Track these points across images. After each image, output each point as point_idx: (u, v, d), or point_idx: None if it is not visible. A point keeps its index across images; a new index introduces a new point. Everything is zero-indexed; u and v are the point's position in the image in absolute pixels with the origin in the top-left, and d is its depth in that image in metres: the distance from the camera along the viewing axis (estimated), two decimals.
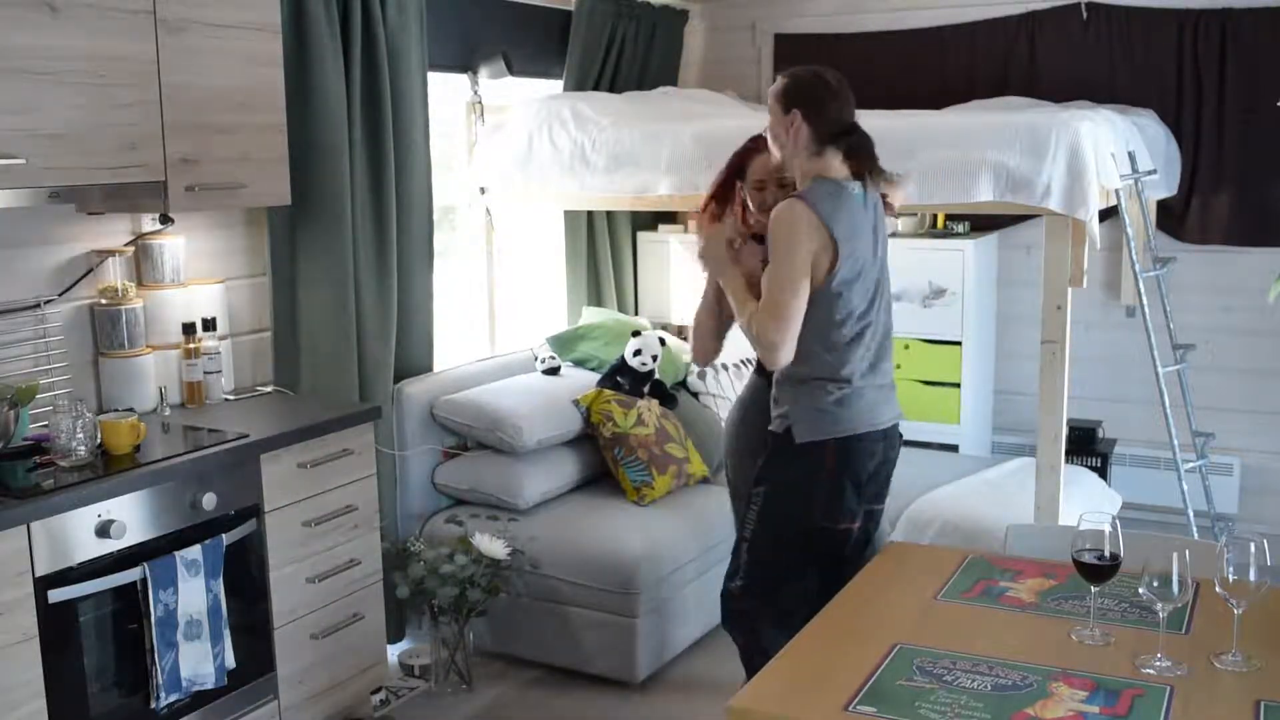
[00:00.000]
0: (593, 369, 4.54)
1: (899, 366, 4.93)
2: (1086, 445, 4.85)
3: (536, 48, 4.80)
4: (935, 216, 4.99)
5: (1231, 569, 2.03)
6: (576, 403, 4.21)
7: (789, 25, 5.54)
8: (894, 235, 5.00)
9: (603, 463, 4.21)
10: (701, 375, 4.77)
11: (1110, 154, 3.72)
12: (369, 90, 3.78)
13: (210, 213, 3.47)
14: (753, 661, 2.93)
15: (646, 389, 4.39)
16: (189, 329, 3.33)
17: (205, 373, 3.36)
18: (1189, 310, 4.85)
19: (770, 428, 2.93)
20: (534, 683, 3.85)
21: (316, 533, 3.18)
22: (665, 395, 4.46)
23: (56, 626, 2.53)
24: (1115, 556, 2.12)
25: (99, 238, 3.22)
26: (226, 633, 2.87)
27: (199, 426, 3.11)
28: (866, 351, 2.87)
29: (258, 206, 3.53)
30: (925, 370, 4.86)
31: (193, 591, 2.77)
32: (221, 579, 2.84)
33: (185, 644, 2.75)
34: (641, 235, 5.36)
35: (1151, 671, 2.01)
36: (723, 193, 3.11)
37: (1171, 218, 4.93)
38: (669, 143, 4.11)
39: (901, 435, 3.00)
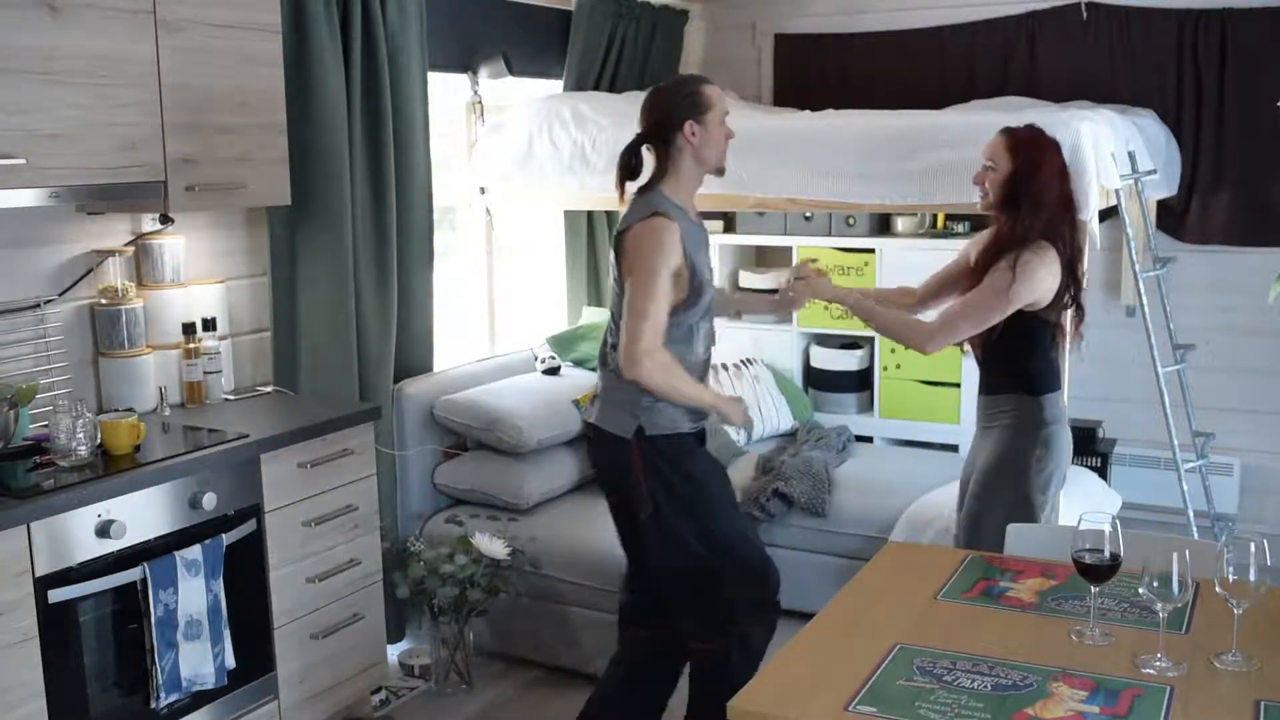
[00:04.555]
0: (592, 369, 4.53)
1: (899, 366, 4.94)
2: (1086, 445, 4.84)
3: (536, 48, 4.80)
4: (935, 216, 4.99)
5: (1231, 569, 2.02)
6: (576, 403, 4.21)
7: (789, 25, 5.54)
8: (894, 236, 5.01)
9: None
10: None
11: (1110, 154, 3.72)
12: (369, 90, 3.78)
13: (210, 213, 3.48)
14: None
15: None
16: (189, 329, 3.33)
17: (205, 373, 3.36)
18: (1189, 310, 4.84)
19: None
20: (534, 683, 3.85)
21: (316, 533, 3.18)
22: None
23: (56, 626, 2.53)
24: (1115, 556, 2.12)
25: (99, 238, 3.22)
26: (226, 633, 2.87)
27: (199, 426, 3.11)
28: None
29: (258, 206, 3.53)
30: (925, 370, 4.85)
31: (193, 591, 2.77)
32: (221, 579, 2.84)
33: (185, 644, 2.75)
34: None
35: (1151, 671, 2.01)
36: None
37: (1171, 218, 4.92)
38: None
39: (590, 435, 3.06)
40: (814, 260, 3.40)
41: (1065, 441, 3.23)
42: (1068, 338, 3.27)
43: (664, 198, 2.91)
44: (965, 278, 3.33)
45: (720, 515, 2.98)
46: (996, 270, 3.06)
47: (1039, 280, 3.04)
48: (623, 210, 2.98)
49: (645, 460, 2.90)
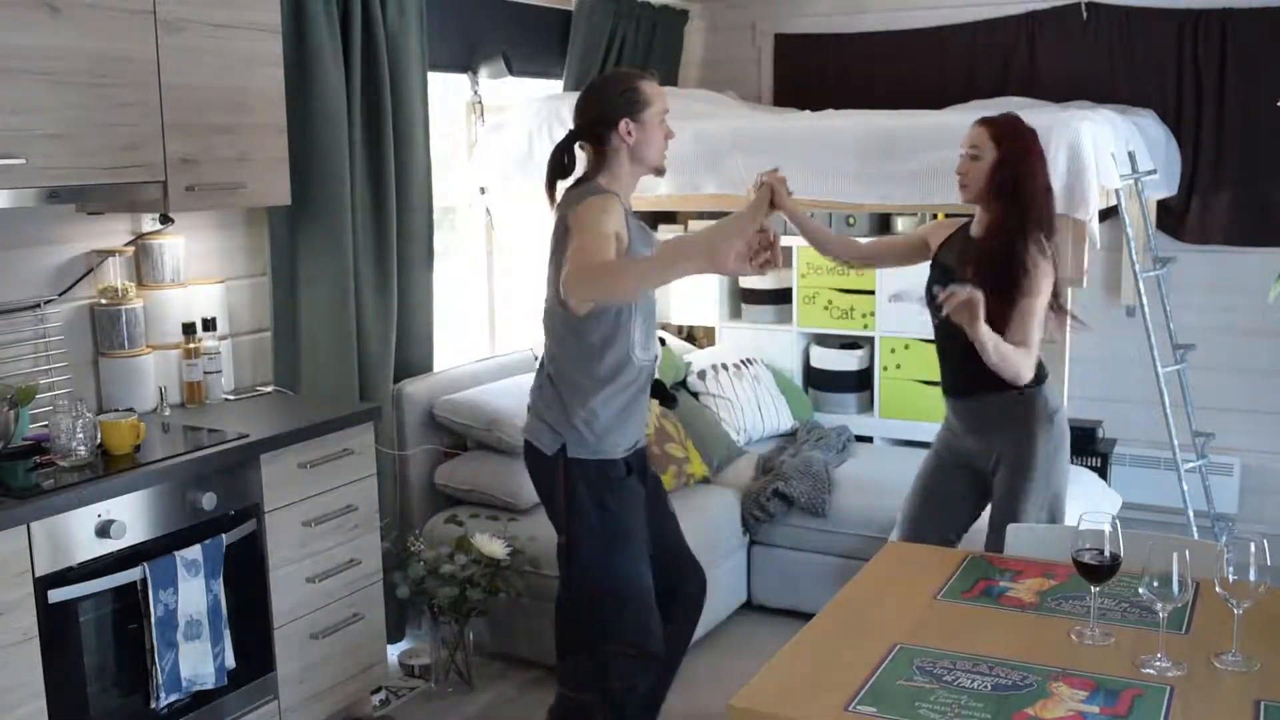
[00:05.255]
0: None
1: (899, 366, 4.94)
2: (1086, 445, 4.84)
3: (536, 48, 4.80)
4: (934, 216, 4.98)
5: (1231, 569, 2.03)
6: None
7: (789, 25, 5.54)
8: (895, 236, 5.00)
9: None
10: (701, 375, 4.77)
11: (1110, 154, 3.73)
12: (369, 90, 3.78)
13: (210, 213, 3.48)
14: None
15: None
16: (189, 329, 3.33)
17: (205, 373, 3.36)
18: (1189, 310, 4.85)
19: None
20: (534, 683, 3.85)
21: (316, 533, 3.18)
22: (665, 395, 4.46)
23: (56, 626, 2.53)
24: (1115, 556, 2.12)
25: (99, 238, 3.22)
26: (226, 633, 2.87)
27: (199, 426, 3.11)
28: None
29: (258, 206, 3.53)
30: (925, 370, 4.85)
31: (193, 591, 2.77)
32: (221, 579, 2.84)
33: (185, 644, 2.75)
34: None
35: (1151, 671, 2.01)
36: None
37: (1171, 218, 4.93)
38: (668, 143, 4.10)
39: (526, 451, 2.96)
40: (775, 170, 3.33)
41: (1066, 427, 3.26)
42: (1066, 328, 3.28)
43: (601, 187, 2.81)
44: (917, 253, 3.38)
45: (626, 556, 2.85)
46: (1025, 269, 3.03)
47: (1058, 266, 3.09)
48: (554, 213, 2.87)
49: (568, 482, 2.82)
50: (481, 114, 4.59)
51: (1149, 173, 4.09)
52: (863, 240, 3.60)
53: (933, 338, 3.37)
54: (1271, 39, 4.64)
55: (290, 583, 3.11)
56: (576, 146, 2.89)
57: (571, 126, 2.90)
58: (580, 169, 2.91)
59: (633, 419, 2.88)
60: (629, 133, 2.79)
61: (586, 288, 2.61)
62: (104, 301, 3.20)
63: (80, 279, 3.17)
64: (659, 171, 2.92)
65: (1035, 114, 3.93)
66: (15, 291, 3.02)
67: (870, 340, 5.04)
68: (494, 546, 3.67)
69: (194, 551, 2.78)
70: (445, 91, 4.47)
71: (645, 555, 2.90)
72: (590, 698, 2.90)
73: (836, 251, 3.52)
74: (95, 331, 3.22)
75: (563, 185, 2.90)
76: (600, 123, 2.81)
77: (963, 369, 3.18)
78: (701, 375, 4.77)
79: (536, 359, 4.51)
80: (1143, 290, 4.10)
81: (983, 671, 2.02)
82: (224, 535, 2.87)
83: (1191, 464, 4.36)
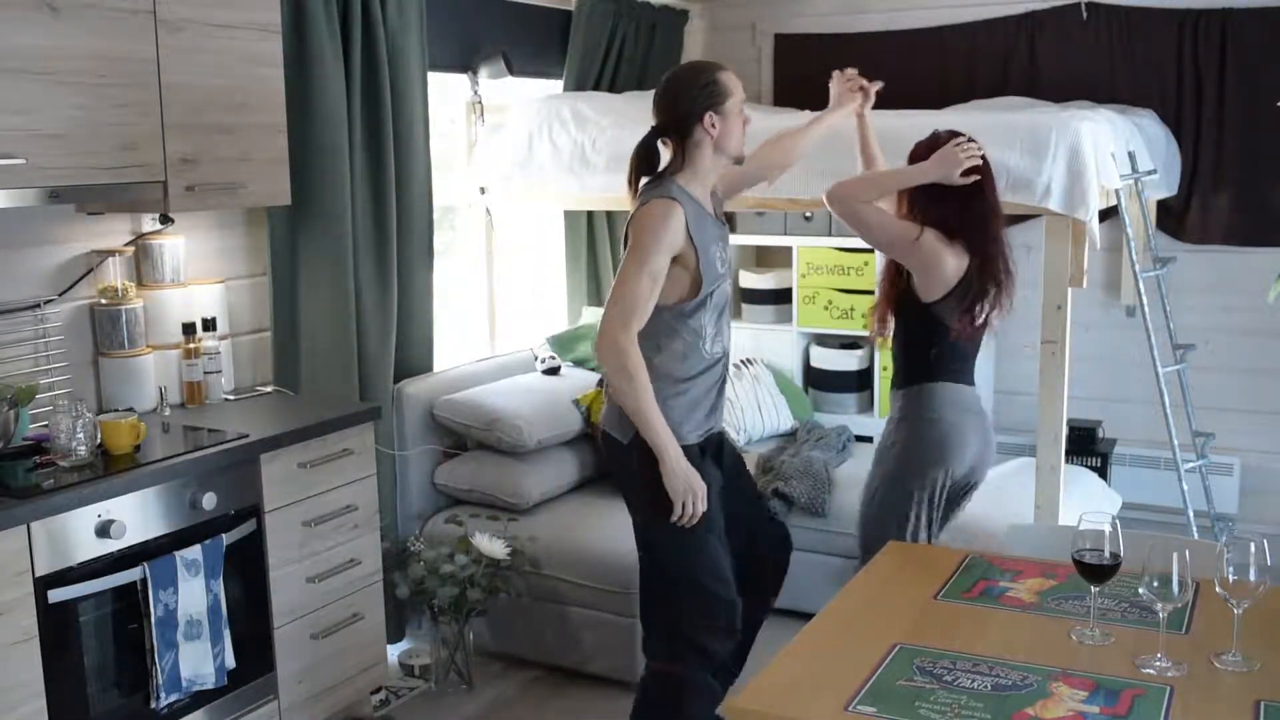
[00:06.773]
0: (593, 369, 4.54)
1: None
2: (1086, 445, 4.84)
3: (536, 48, 4.80)
4: None
5: (1231, 569, 2.03)
6: (576, 403, 4.21)
7: (789, 25, 5.54)
8: None
9: (603, 462, 4.21)
10: None
11: (1110, 154, 3.72)
12: (369, 90, 3.78)
13: (210, 213, 3.48)
14: None
15: None
16: (189, 329, 3.33)
17: (205, 373, 3.36)
18: (1189, 310, 4.85)
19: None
20: (534, 683, 3.85)
21: (316, 533, 3.18)
22: None
23: (56, 626, 2.53)
24: (1115, 556, 2.12)
25: (99, 238, 3.22)
26: (226, 633, 2.87)
27: (199, 426, 3.11)
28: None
29: (258, 206, 3.53)
30: None
31: (193, 591, 2.77)
32: (221, 579, 2.84)
33: (185, 644, 2.75)
34: None
35: (1151, 671, 2.01)
36: None
37: (1171, 218, 4.93)
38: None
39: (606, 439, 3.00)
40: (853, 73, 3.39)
41: (950, 445, 3.10)
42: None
43: (677, 187, 2.83)
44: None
45: (697, 538, 2.87)
46: (908, 223, 3.03)
47: (944, 263, 3.00)
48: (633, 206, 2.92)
49: (641, 467, 2.84)
50: (481, 114, 4.59)
51: (1149, 173, 4.09)
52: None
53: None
54: (1271, 39, 4.64)
55: (290, 583, 3.11)
56: (659, 143, 2.92)
57: (653, 123, 2.94)
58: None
59: (704, 406, 2.92)
60: (713, 125, 2.83)
61: (602, 357, 2.80)
62: (104, 301, 3.20)
63: (80, 279, 3.17)
64: (740, 160, 2.96)
65: (1035, 114, 3.94)
66: (15, 291, 3.02)
67: (870, 340, 5.03)
68: (494, 546, 3.67)
69: (194, 551, 2.78)
70: (445, 91, 4.47)
71: (720, 535, 2.95)
72: (679, 669, 2.91)
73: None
74: (95, 331, 3.22)
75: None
76: (685, 117, 2.84)
77: (899, 362, 3.20)
78: None
79: (537, 359, 4.55)
80: (1143, 290, 4.10)
81: (983, 671, 2.02)
82: (224, 535, 2.87)
83: (1191, 464, 4.36)
